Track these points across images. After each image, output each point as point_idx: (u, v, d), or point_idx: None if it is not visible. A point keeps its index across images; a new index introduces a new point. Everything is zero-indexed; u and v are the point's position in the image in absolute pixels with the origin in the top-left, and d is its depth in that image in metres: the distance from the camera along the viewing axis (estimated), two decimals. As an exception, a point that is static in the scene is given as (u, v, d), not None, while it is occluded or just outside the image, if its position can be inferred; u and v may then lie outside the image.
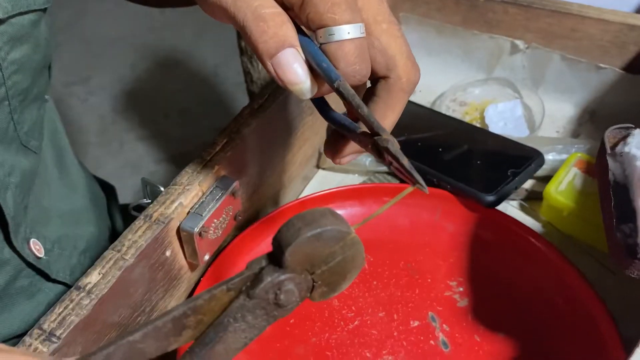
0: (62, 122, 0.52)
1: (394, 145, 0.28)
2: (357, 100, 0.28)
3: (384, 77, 0.32)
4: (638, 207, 0.30)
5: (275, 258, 0.27)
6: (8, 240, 0.39)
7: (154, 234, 0.38)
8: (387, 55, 0.31)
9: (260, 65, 0.80)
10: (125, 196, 1.43)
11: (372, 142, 0.29)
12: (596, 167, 0.39)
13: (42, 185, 0.44)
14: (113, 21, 1.99)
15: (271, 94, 0.47)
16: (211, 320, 0.27)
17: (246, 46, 0.75)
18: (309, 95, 0.30)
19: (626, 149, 0.34)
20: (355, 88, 0.31)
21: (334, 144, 0.34)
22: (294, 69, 0.29)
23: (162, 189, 0.42)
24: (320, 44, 0.30)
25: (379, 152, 0.29)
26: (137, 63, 1.87)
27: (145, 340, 0.25)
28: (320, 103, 0.34)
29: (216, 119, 1.68)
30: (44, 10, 0.39)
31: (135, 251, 0.37)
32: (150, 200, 0.42)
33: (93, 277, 0.36)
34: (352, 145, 0.34)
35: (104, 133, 1.71)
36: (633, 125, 0.37)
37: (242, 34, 0.30)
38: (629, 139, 0.35)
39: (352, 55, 0.29)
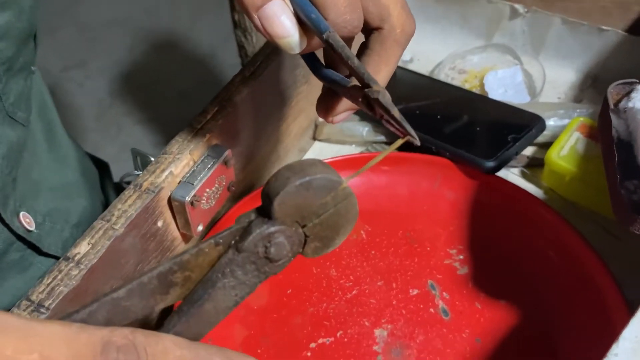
0: (60, 107, 0.51)
1: (385, 97, 0.26)
2: (347, 51, 0.27)
3: (377, 29, 0.31)
4: (643, 163, 0.29)
5: (265, 210, 0.26)
6: None
7: (144, 204, 0.37)
8: (380, 5, 0.30)
9: (255, 39, 0.78)
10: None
11: (362, 94, 0.28)
12: (599, 125, 0.38)
13: (31, 158, 0.43)
14: (109, 4, 1.96)
15: (263, 61, 0.45)
16: (199, 278, 0.26)
17: (240, 19, 0.73)
18: (297, 49, 0.29)
19: (630, 104, 0.33)
20: (347, 41, 0.30)
21: (326, 102, 0.33)
22: (281, 21, 0.27)
23: (152, 158, 0.41)
24: None
25: (370, 104, 0.28)
26: (134, 46, 1.85)
27: (131, 297, 0.24)
28: (310, 59, 0.33)
29: (215, 101, 1.66)
30: None
31: (125, 221, 0.36)
32: (140, 172, 0.41)
33: (82, 247, 0.35)
34: (344, 102, 0.32)
35: (102, 117, 1.70)
36: (637, 80, 0.36)
37: None
38: (633, 94, 0.33)
39: (342, 4, 0.27)
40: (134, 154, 0.42)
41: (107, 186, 0.60)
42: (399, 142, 0.26)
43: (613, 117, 0.34)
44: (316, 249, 0.27)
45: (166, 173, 0.38)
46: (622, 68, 0.54)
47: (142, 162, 0.42)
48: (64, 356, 0.20)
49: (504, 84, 0.57)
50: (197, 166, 0.40)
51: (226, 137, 0.43)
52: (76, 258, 0.34)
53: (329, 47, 0.28)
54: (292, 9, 0.28)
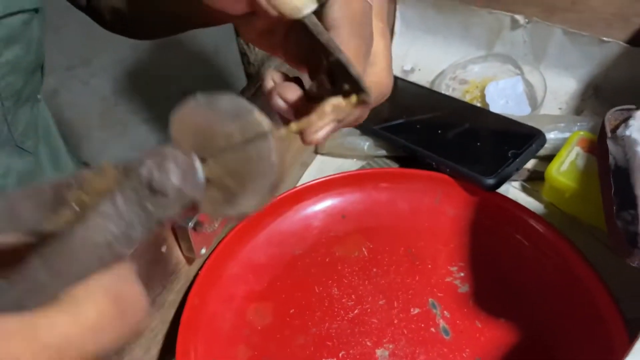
0: (65, 106, 0.51)
1: (344, 56, 0.24)
2: (320, 28, 0.26)
3: None
4: (639, 195, 0.29)
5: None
6: None
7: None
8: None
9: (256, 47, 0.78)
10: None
11: (325, 68, 0.26)
12: (597, 152, 0.38)
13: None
14: (112, 1, 1.96)
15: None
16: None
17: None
18: (307, 10, 0.26)
19: (627, 132, 0.33)
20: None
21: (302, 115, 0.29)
22: None
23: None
24: None
25: (334, 80, 0.26)
26: (138, 44, 1.85)
27: (24, 201, 0.21)
28: None
29: (219, 99, 1.67)
30: (36, 10, 0.38)
31: (130, 249, 0.37)
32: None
33: (88, 277, 0.36)
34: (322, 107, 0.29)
35: (107, 116, 1.71)
36: (634, 107, 0.36)
37: None
38: (631, 121, 0.34)
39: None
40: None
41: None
42: (353, 99, 0.24)
43: (610, 144, 0.34)
44: (215, 202, 0.22)
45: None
46: (623, 78, 0.54)
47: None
48: None
49: (505, 95, 0.57)
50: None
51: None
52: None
53: (304, 30, 0.27)
54: None
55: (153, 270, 0.39)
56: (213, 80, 1.74)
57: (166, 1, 0.42)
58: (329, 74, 0.26)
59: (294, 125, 0.23)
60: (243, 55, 0.75)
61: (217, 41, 1.80)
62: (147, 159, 0.21)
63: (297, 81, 0.32)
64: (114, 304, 0.19)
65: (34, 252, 0.21)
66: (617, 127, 0.35)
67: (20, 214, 0.21)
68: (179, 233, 0.40)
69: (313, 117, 0.24)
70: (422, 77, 0.62)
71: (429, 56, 0.62)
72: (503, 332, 0.42)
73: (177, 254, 0.41)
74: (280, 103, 0.28)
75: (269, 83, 0.29)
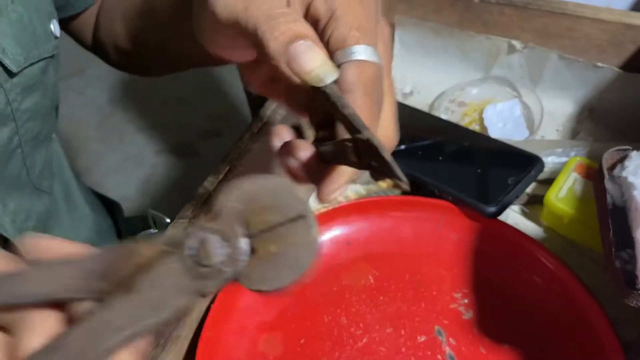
0: (61, 117, 0.52)
1: (376, 139, 0.25)
2: (344, 100, 0.27)
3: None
4: (637, 238, 0.31)
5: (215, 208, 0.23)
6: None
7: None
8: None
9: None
10: (129, 189, 1.44)
11: (352, 140, 0.26)
12: (595, 191, 0.40)
13: (54, 222, 0.45)
14: (104, 9, 1.96)
15: (270, 115, 0.47)
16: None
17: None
18: (329, 79, 0.27)
19: (623, 174, 0.34)
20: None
21: (320, 175, 0.30)
22: (308, 56, 0.26)
23: (167, 220, 0.43)
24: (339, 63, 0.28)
25: (359, 153, 0.26)
26: (132, 52, 1.85)
27: (71, 266, 0.22)
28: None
29: (214, 106, 1.68)
30: (52, 56, 0.39)
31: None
32: (156, 230, 0.43)
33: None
34: (339, 173, 0.29)
35: (103, 126, 1.71)
36: (630, 147, 0.38)
37: (255, 44, 0.28)
38: (627, 162, 0.35)
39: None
40: (150, 215, 0.44)
41: (119, 225, 0.62)
42: (386, 184, 0.25)
43: (608, 184, 0.36)
44: (259, 277, 0.23)
45: (183, 239, 0.40)
46: (618, 101, 0.56)
47: (156, 222, 0.44)
48: None
49: (503, 118, 0.59)
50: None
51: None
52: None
53: (325, 97, 0.27)
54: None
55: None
56: (209, 88, 1.74)
57: (169, 42, 0.43)
58: (355, 149, 0.26)
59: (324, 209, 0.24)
60: (242, 76, 0.76)
61: (212, 49, 1.80)
62: (195, 233, 0.22)
63: (298, 130, 0.33)
64: None
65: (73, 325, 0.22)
66: (614, 165, 0.37)
67: (69, 282, 0.22)
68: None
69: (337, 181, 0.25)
70: (421, 100, 0.63)
71: (428, 79, 0.64)
72: (506, 358, 0.43)
73: (191, 289, 0.43)
74: (294, 164, 0.29)
75: (277, 141, 0.30)
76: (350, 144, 0.27)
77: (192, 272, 0.22)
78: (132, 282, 0.21)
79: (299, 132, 0.33)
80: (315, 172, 0.29)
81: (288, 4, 0.29)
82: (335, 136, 0.30)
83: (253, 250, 0.23)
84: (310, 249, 0.23)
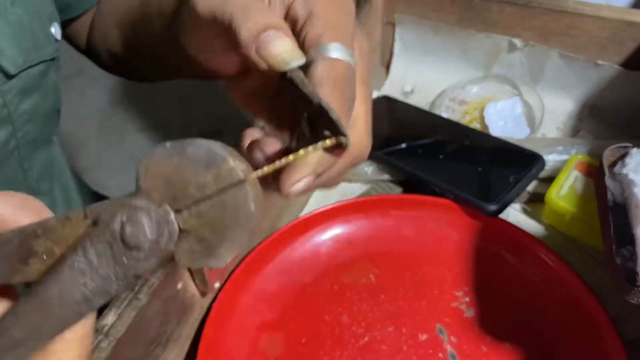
0: (63, 117, 0.52)
1: (325, 102, 0.25)
2: (306, 82, 0.27)
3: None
4: (637, 235, 0.31)
5: (137, 184, 0.21)
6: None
7: (165, 271, 0.39)
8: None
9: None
10: (129, 189, 1.44)
11: (307, 116, 0.26)
12: (595, 188, 0.40)
13: None
14: (105, 9, 1.96)
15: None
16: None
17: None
18: (295, 63, 0.27)
19: (624, 171, 0.34)
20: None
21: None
22: (277, 43, 0.27)
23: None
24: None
25: (312, 126, 0.26)
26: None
27: None
28: None
29: (215, 105, 1.68)
30: (53, 59, 0.39)
31: (148, 289, 0.38)
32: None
33: (109, 318, 0.37)
34: (302, 162, 0.28)
35: (104, 126, 1.71)
36: (631, 144, 0.38)
37: (230, 36, 0.28)
38: (627, 160, 0.35)
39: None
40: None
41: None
42: (330, 141, 0.23)
43: (608, 181, 0.36)
44: (192, 252, 0.21)
45: (184, 238, 0.40)
46: (619, 99, 0.56)
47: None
48: None
49: (504, 116, 0.59)
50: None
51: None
52: (104, 330, 0.36)
53: (290, 84, 0.27)
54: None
55: (170, 307, 0.40)
56: (210, 88, 1.74)
57: (161, 50, 0.43)
58: (310, 124, 0.26)
59: (266, 168, 0.21)
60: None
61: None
62: (118, 211, 0.20)
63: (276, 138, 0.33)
64: (90, 355, 0.19)
65: (9, 309, 0.21)
66: (614, 163, 0.37)
67: None
68: (194, 270, 0.41)
69: (290, 157, 0.22)
70: (421, 98, 0.63)
71: (428, 77, 0.64)
72: (507, 356, 0.43)
73: (192, 288, 0.43)
74: (258, 156, 0.29)
75: (247, 140, 0.30)
76: (305, 121, 0.26)
77: (123, 253, 0.20)
78: (66, 256, 0.20)
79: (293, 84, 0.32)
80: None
81: (269, 4, 0.30)
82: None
83: (185, 226, 0.21)
84: (249, 219, 0.21)
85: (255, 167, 0.24)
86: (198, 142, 0.20)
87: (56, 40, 0.41)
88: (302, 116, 0.28)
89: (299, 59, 0.27)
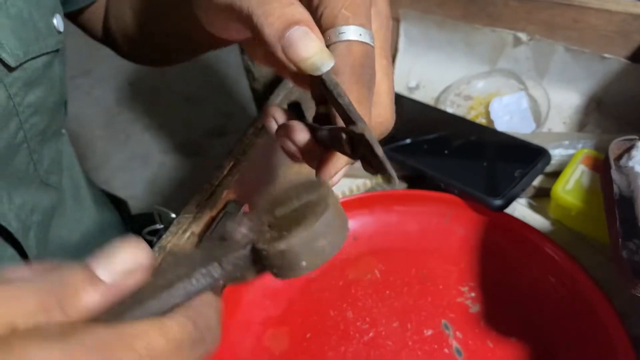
0: (69, 117, 0.52)
1: (370, 133, 0.25)
2: (340, 89, 0.27)
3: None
4: (644, 228, 0.31)
5: None
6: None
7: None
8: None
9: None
10: (135, 188, 1.44)
11: (346, 132, 0.26)
12: (601, 181, 0.39)
13: (60, 219, 0.45)
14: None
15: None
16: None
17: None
18: (326, 67, 0.27)
19: (630, 164, 0.34)
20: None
21: (321, 160, 0.30)
22: (304, 43, 0.26)
23: (173, 215, 0.43)
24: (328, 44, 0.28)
25: (352, 144, 0.26)
26: (138, 51, 1.86)
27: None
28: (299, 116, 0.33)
29: (220, 104, 1.68)
30: (57, 51, 0.39)
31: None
32: (162, 225, 0.43)
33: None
34: (337, 159, 0.29)
35: (110, 125, 1.72)
36: (637, 137, 0.37)
37: (250, 29, 0.28)
38: (633, 152, 0.35)
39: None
40: (155, 211, 0.44)
41: (126, 222, 0.62)
42: (381, 179, 0.26)
43: (614, 173, 0.35)
44: (271, 239, 0.24)
45: (187, 234, 0.40)
46: (625, 93, 0.55)
47: (162, 218, 0.44)
48: None
49: (509, 111, 0.59)
50: (216, 224, 0.42)
51: (243, 191, 0.44)
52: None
53: (321, 84, 0.28)
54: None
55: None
56: (215, 87, 1.75)
57: (176, 27, 0.43)
58: (350, 142, 0.26)
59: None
60: (248, 72, 0.76)
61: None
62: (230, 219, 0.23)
63: (295, 107, 0.33)
64: (194, 327, 0.20)
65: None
66: (620, 155, 0.36)
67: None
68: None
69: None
70: (426, 94, 0.63)
71: (433, 72, 0.63)
72: (514, 351, 0.43)
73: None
74: (291, 147, 0.29)
75: (272, 123, 0.30)
76: (344, 136, 0.26)
77: (216, 246, 0.23)
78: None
79: (298, 110, 0.33)
80: (312, 154, 0.29)
81: None
82: (333, 115, 0.30)
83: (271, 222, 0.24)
84: (324, 207, 0.23)
85: (287, 153, 0.29)
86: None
87: (59, 32, 0.41)
88: (330, 111, 0.29)
89: (329, 62, 0.27)
